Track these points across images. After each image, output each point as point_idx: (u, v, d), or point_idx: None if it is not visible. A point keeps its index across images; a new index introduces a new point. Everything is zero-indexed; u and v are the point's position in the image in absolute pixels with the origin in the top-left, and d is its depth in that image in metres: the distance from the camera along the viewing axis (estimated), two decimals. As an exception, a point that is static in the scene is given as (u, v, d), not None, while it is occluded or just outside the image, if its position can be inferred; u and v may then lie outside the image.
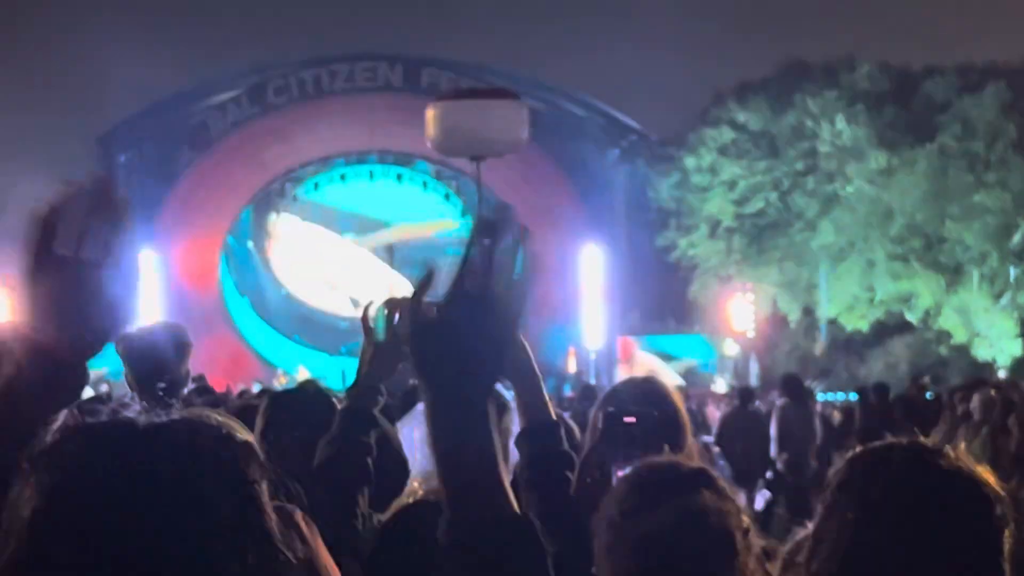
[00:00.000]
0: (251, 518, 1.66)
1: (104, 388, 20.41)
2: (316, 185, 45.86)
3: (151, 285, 40.96)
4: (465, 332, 2.04)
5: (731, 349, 43.76)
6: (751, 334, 42.51)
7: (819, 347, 43.57)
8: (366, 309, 3.62)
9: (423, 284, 2.08)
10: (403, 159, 44.93)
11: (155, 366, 5.68)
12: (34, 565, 1.60)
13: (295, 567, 1.69)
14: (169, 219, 41.37)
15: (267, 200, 45.60)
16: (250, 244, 46.52)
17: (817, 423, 14.33)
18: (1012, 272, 40.77)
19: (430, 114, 11.24)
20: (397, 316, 3.59)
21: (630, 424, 3.32)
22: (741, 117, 43.37)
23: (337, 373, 35.27)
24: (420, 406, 3.85)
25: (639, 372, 22.29)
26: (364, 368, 3.61)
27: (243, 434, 1.76)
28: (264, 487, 1.71)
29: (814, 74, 43.46)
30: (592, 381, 35.38)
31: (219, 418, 1.75)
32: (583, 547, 3.04)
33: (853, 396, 33.39)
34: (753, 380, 39.32)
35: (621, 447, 3.28)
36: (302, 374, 34.92)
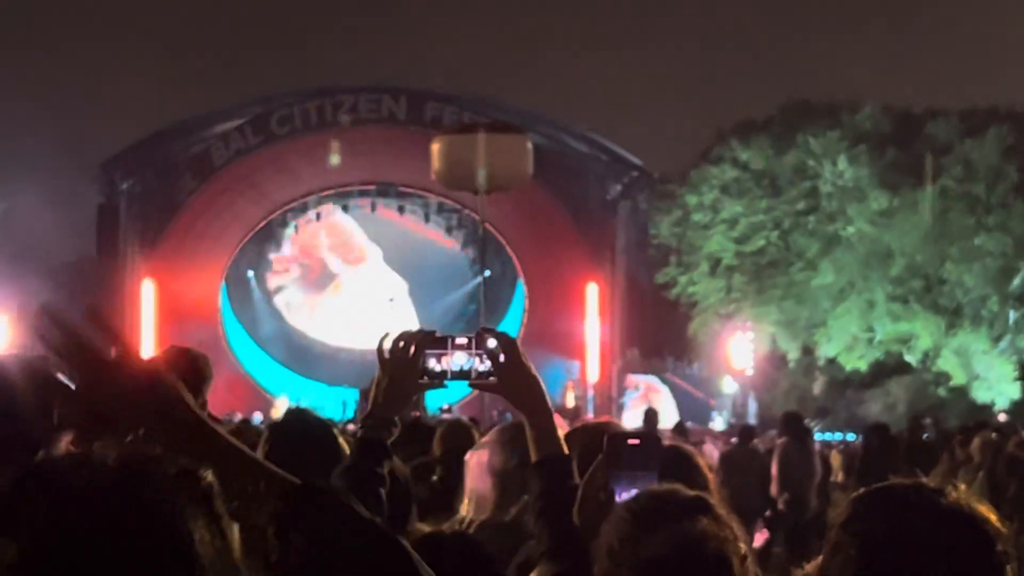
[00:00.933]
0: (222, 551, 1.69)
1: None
2: (318, 216, 45.92)
3: (150, 315, 41.00)
4: None
5: (730, 387, 43.74)
6: (750, 372, 42.50)
7: (818, 386, 43.52)
8: (381, 341, 3.64)
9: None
10: (405, 191, 44.99)
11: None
12: None
13: None
14: (170, 247, 41.42)
15: (268, 230, 45.63)
16: (250, 274, 46.55)
17: (817, 462, 14.30)
18: (1012, 315, 40.76)
19: (435, 147, 11.24)
20: (413, 349, 3.62)
21: (634, 446, 3.34)
22: (743, 156, 43.39)
23: (335, 403, 35.35)
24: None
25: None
26: (379, 399, 3.63)
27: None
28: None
29: (817, 114, 43.50)
30: (590, 415, 35.37)
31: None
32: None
33: (851, 436, 33.52)
34: (751, 418, 39.27)
35: (625, 469, 3.28)
36: (282, 403, 34.99)
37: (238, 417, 25.11)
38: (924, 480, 2.71)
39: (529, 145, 10.80)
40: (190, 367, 5.91)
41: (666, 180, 45.63)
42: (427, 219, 46.56)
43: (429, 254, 48.35)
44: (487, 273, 45.43)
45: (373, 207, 46.18)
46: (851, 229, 41.83)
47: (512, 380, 3.61)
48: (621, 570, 2.79)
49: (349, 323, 48.62)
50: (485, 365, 3.59)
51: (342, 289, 48.86)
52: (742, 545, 2.83)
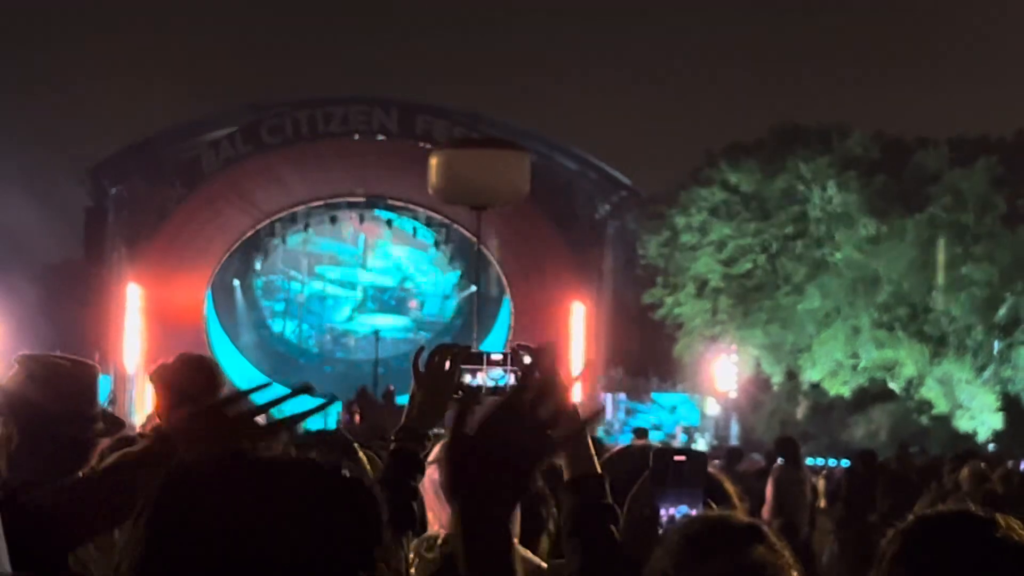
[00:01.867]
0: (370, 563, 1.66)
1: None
2: (306, 226, 45.89)
3: (135, 319, 40.90)
4: (500, 450, 2.17)
5: (712, 409, 43.77)
6: (733, 395, 42.53)
7: (801, 411, 43.56)
8: (416, 354, 3.63)
9: (463, 408, 2.19)
10: (394, 204, 44.98)
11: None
12: None
13: None
14: (157, 253, 41.33)
15: (256, 239, 45.58)
16: (236, 283, 46.50)
17: (809, 488, 14.30)
18: (996, 346, 40.85)
19: (433, 161, 11.24)
20: (448, 364, 3.60)
21: (680, 463, 3.32)
22: (733, 178, 43.46)
23: (317, 414, 35.29)
24: None
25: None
26: (414, 413, 3.62)
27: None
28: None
29: (807, 139, 43.58)
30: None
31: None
32: None
33: (832, 462, 33.55)
34: (733, 440, 39.32)
35: (670, 485, 3.28)
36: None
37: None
38: (972, 509, 2.70)
39: (528, 161, 10.88)
40: (211, 374, 5.89)
41: (655, 200, 45.67)
42: (415, 233, 46.57)
43: (416, 267, 48.40)
44: (473, 288, 45.50)
45: (362, 219, 46.18)
46: (838, 255, 41.91)
47: None
48: None
49: (333, 334, 48.62)
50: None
51: (327, 299, 48.84)
52: (795, 574, 2.82)
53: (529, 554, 4.18)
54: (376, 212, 45.75)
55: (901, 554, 2.59)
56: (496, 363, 3.60)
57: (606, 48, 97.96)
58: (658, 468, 3.31)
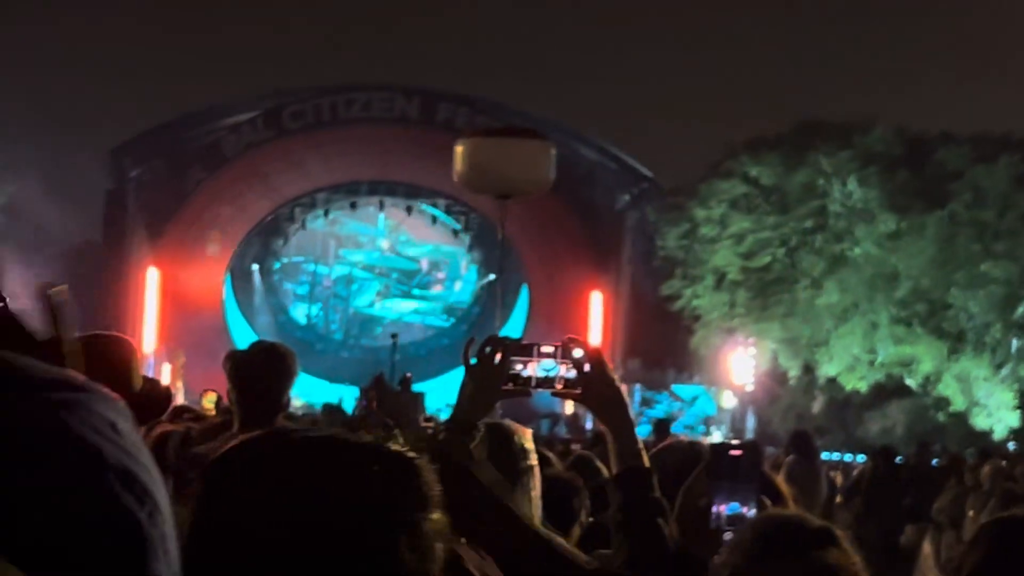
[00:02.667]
0: (420, 545, 1.66)
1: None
2: (326, 212, 45.93)
3: (153, 302, 41.00)
4: None
5: (729, 401, 43.74)
6: (750, 388, 42.49)
7: (817, 405, 43.51)
8: (467, 346, 3.64)
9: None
10: (414, 191, 45.01)
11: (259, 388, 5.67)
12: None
13: None
14: (176, 236, 41.43)
15: (275, 224, 45.64)
16: (255, 267, 46.58)
17: (824, 482, 14.27)
18: (1014, 343, 40.76)
19: (459, 150, 11.22)
20: (499, 356, 3.61)
21: (736, 457, 3.33)
22: (753, 171, 43.39)
23: (333, 401, 35.30)
24: None
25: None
26: (463, 404, 3.63)
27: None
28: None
29: (829, 133, 43.47)
30: (588, 425, 35.37)
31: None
32: None
33: (848, 457, 33.53)
34: (749, 434, 39.28)
35: (725, 479, 3.29)
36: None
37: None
38: None
39: (553, 151, 10.87)
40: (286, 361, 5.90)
41: (675, 192, 45.65)
42: (434, 220, 46.61)
43: (435, 255, 48.46)
44: (491, 277, 45.50)
45: (381, 206, 46.22)
46: (858, 250, 41.83)
47: (596, 391, 3.61)
48: None
49: (352, 321, 48.69)
50: (571, 373, 3.59)
51: (348, 286, 48.93)
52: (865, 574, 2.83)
53: (567, 544, 4.18)
54: (396, 199, 45.78)
55: (985, 559, 2.57)
56: (547, 355, 3.60)
57: (629, 40, 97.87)
58: (715, 461, 3.32)
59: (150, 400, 4.75)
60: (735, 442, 3.87)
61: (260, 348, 6.19)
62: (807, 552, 2.79)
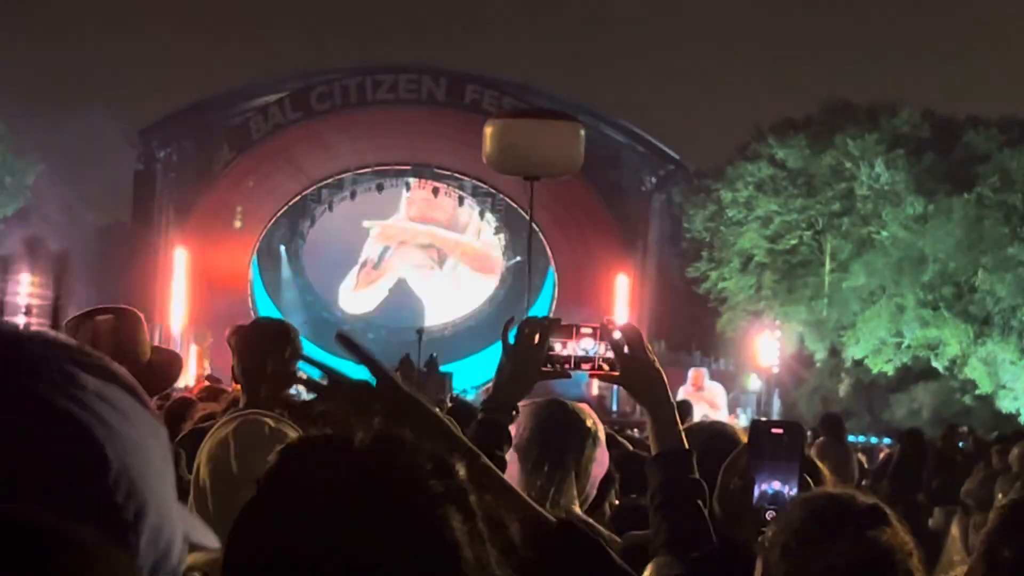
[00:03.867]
0: (479, 552, 1.64)
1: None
2: (352, 195, 46.00)
3: (181, 282, 41.15)
4: None
5: (754, 384, 43.72)
6: (776, 370, 42.47)
7: (843, 388, 43.48)
8: (507, 326, 3.65)
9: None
10: (441, 174, 45.05)
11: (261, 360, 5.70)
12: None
13: None
14: (204, 217, 41.56)
15: (303, 205, 45.74)
16: (282, 248, 46.71)
17: (855, 465, 14.29)
18: (1041, 327, 40.69)
19: (488, 131, 11.24)
20: (538, 336, 3.62)
21: (778, 435, 3.31)
22: (780, 154, 43.36)
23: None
24: None
25: (704, 402, 22.25)
26: (502, 384, 3.64)
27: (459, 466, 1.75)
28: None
29: (856, 116, 43.43)
30: (614, 407, 35.46)
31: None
32: (716, 570, 3.07)
33: (873, 439, 33.52)
34: (775, 416, 39.28)
35: (767, 458, 3.26)
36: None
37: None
38: None
39: (582, 133, 10.88)
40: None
41: (702, 175, 45.65)
42: (461, 202, 46.65)
43: (462, 237, 48.51)
44: (517, 259, 45.54)
45: (408, 188, 46.28)
46: (885, 233, 41.77)
47: (635, 372, 3.60)
48: (801, 572, 2.78)
49: (379, 301, 48.77)
50: (609, 354, 3.59)
51: (375, 268, 49.03)
52: (918, 559, 2.83)
53: (599, 527, 4.20)
54: (422, 181, 45.84)
55: (1000, 527, 2.54)
56: (586, 336, 3.60)
57: (657, 22, 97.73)
58: (755, 440, 3.31)
59: (161, 369, 4.80)
60: (776, 420, 3.87)
61: (262, 321, 6.23)
62: (860, 533, 2.78)
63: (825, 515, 2.85)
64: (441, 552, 1.63)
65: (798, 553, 2.80)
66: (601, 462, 4.42)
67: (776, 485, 3.20)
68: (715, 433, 4.29)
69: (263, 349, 5.70)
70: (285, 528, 1.62)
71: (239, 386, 5.94)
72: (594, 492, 4.43)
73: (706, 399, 23.57)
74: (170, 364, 4.95)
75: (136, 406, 1.32)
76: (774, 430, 3.34)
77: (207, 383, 14.88)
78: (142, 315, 4.96)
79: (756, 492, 3.22)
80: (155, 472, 1.30)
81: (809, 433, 18.02)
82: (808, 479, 3.37)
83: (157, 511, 1.28)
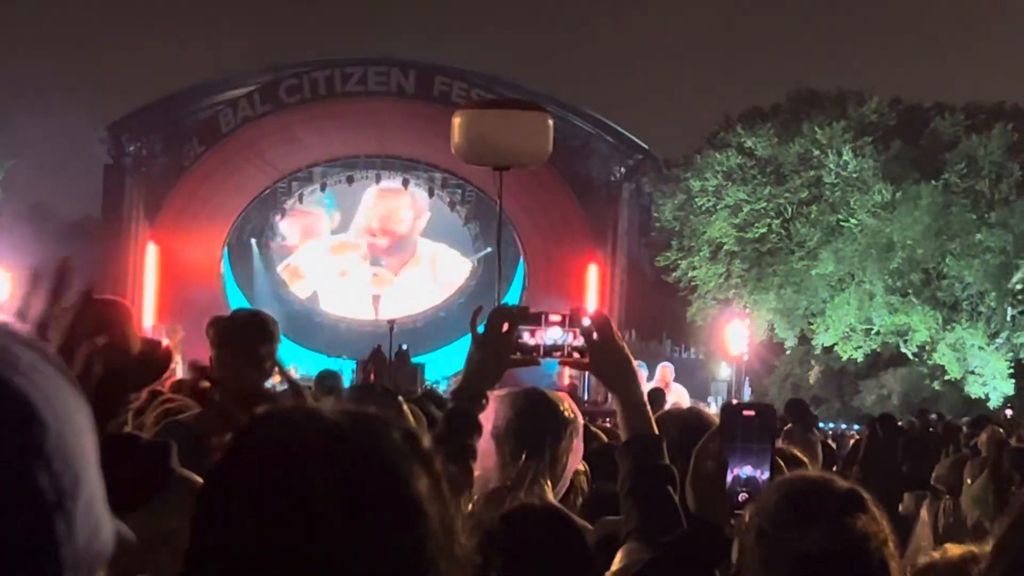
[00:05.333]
0: (443, 517, 1.69)
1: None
2: (323, 187, 45.91)
3: (154, 275, 41.05)
4: None
5: (724, 372, 43.82)
6: (746, 358, 42.56)
7: (813, 375, 43.65)
8: (475, 315, 3.66)
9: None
10: (411, 165, 45.01)
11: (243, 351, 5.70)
12: (217, 551, 1.65)
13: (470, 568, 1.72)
14: (175, 211, 41.45)
15: (273, 198, 45.65)
16: (252, 241, 46.61)
17: (819, 451, 14.33)
18: (1009, 312, 40.90)
19: (456, 121, 11.30)
20: (507, 325, 3.63)
21: (750, 418, 3.28)
22: (748, 142, 43.47)
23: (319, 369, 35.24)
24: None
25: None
26: (471, 373, 3.64)
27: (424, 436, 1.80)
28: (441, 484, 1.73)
29: (824, 104, 43.60)
30: (585, 396, 35.48)
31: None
32: (688, 554, 3.10)
33: (843, 426, 33.65)
34: (746, 405, 39.32)
35: (739, 441, 3.24)
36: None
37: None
38: None
39: (551, 123, 10.92)
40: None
41: (671, 164, 45.73)
42: (431, 193, 46.59)
43: (431, 228, 48.43)
44: (488, 250, 45.49)
45: (378, 179, 46.20)
46: (853, 220, 41.94)
47: (605, 359, 3.62)
48: (776, 557, 2.81)
49: (351, 294, 48.66)
50: (579, 342, 3.61)
51: (345, 259, 48.92)
52: (892, 544, 2.85)
53: (572, 515, 4.21)
54: (392, 172, 45.75)
55: (1018, 523, 2.48)
56: (555, 324, 3.60)
57: (625, 12, 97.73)
58: (727, 423, 3.29)
59: (150, 362, 4.84)
60: (748, 403, 3.87)
61: (242, 313, 6.25)
62: (837, 519, 2.79)
63: (800, 500, 2.87)
64: (406, 506, 1.67)
65: (773, 537, 2.84)
66: (578, 452, 4.44)
67: (749, 469, 3.19)
68: (690, 418, 4.32)
69: (242, 340, 5.71)
70: (257, 483, 1.66)
71: (208, 381, 5.91)
72: (568, 483, 4.44)
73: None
74: (161, 355, 4.99)
75: (65, 384, 1.33)
76: (746, 412, 3.33)
77: (192, 373, 14.82)
78: (130, 305, 4.98)
79: (729, 475, 3.21)
80: (86, 447, 1.31)
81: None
82: (780, 461, 3.37)
83: (89, 485, 1.29)
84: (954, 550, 3.07)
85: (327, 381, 11.57)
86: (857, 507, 2.85)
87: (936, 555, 2.75)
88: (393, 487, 1.68)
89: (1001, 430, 12.99)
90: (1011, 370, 40.31)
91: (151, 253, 41.22)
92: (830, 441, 19.02)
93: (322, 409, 1.77)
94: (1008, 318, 40.90)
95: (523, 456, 4.23)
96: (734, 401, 3.81)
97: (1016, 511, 2.51)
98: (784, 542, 2.81)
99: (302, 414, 1.76)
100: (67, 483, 1.25)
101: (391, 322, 35.55)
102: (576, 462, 4.46)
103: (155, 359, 4.87)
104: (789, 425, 13.88)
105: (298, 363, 36.98)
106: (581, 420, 4.50)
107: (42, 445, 1.24)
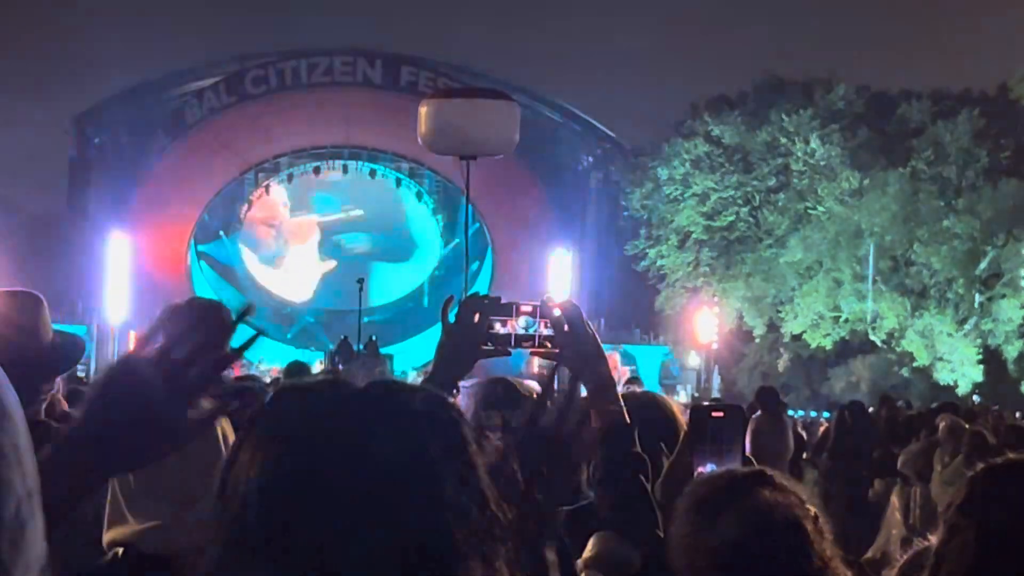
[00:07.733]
0: (472, 482, 1.65)
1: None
2: (289, 177, 45.83)
3: (120, 268, 40.87)
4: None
5: (694, 361, 43.88)
6: (715, 347, 42.61)
7: (782, 363, 43.69)
8: (445, 305, 3.62)
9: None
10: (377, 155, 44.96)
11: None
12: (270, 529, 1.59)
13: (507, 529, 1.68)
14: (141, 203, 41.31)
15: (240, 189, 45.55)
16: (220, 232, 46.52)
17: (790, 438, 14.32)
18: (977, 298, 40.99)
19: (422, 111, 11.21)
20: (477, 316, 3.59)
21: (718, 419, 3.30)
22: (716, 131, 43.49)
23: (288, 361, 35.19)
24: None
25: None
26: (441, 363, 3.61)
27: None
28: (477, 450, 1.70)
29: (791, 92, 43.62)
30: (556, 385, 35.39)
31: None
32: (661, 544, 3.06)
33: (813, 413, 33.68)
34: (715, 393, 39.41)
35: (708, 442, 3.26)
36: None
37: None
38: None
39: (518, 111, 10.88)
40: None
41: (639, 153, 45.72)
42: (398, 184, 46.55)
43: (399, 218, 48.40)
44: (456, 241, 45.45)
45: (345, 169, 46.14)
46: (821, 208, 42.00)
47: (575, 348, 3.57)
48: (698, 559, 2.79)
49: (318, 285, 48.60)
50: (549, 332, 3.58)
51: (312, 252, 48.85)
52: (810, 507, 2.83)
53: None
54: (359, 163, 45.70)
55: (967, 502, 2.49)
56: (526, 314, 3.57)
57: (591, 1, 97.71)
58: (696, 425, 3.30)
59: (64, 349, 4.82)
60: (715, 403, 3.85)
61: (196, 301, 6.19)
62: (738, 502, 2.78)
63: (707, 497, 2.86)
64: (452, 455, 1.66)
65: (691, 543, 2.82)
66: None
67: (715, 469, 3.19)
68: (645, 403, 4.29)
69: (197, 326, 5.62)
70: (287, 448, 1.64)
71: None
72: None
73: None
74: (73, 345, 4.98)
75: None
76: (714, 413, 3.34)
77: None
78: (42, 297, 4.97)
79: (695, 475, 3.20)
80: (21, 447, 1.31)
81: (745, 407, 18.08)
82: (752, 459, 3.35)
83: (23, 482, 1.29)
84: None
85: (296, 372, 11.55)
86: (759, 484, 2.84)
87: (932, 539, 2.69)
88: (413, 458, 1.64)
89: (960, 421, 13.01)
90: (979, 356, 40.41)
91: (118, 246, 41.05)
92: (800, 429, 19.00)
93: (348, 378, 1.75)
94: (976, 304, 40.99)
95: None
96: (704, 402, 3.78)
97: (963, 494, 2.52)
98: (698, 543, 2.80)
99: (327, 383, 1.74)
100: None
101: (360, 281, 35.10)
102: None
103: (69, 347, 4.88)
104: (759, 413, 13.86)
105: (266, 355, 36.90)
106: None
107: None
